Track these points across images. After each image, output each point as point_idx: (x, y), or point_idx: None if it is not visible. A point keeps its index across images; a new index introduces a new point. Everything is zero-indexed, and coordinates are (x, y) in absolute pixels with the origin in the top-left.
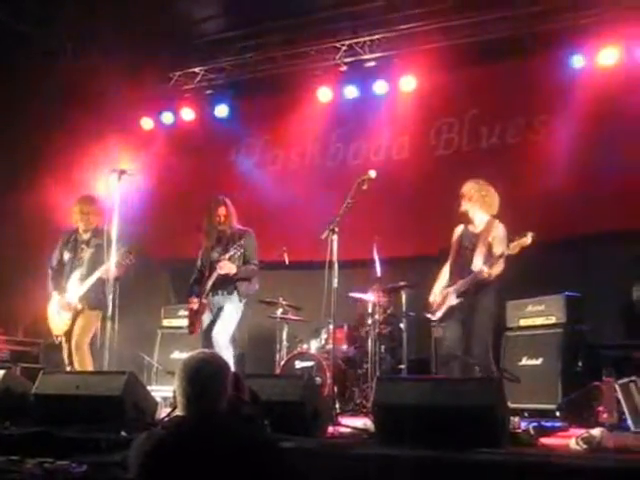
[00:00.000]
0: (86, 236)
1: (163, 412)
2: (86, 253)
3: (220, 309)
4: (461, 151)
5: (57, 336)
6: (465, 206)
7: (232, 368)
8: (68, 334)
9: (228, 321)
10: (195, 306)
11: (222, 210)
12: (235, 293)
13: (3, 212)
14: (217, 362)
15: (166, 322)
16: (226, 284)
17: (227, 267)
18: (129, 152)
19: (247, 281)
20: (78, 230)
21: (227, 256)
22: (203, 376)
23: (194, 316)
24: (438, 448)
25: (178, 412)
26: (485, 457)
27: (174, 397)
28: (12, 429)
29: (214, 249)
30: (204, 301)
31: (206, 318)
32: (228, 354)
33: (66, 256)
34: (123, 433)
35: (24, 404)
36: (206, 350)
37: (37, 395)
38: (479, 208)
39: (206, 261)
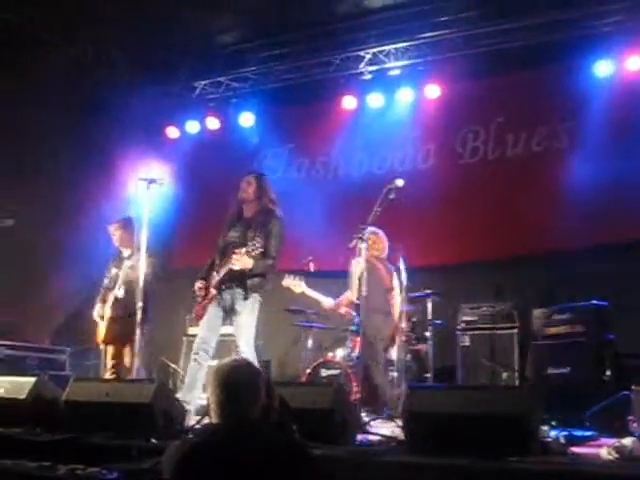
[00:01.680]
0: (126, 253)
1: (192, 420)
2: (125, 268)
3: (232, 311)
4: (487, 159)
5: (103, 342)
6: None
7: None
8: (111, 341)
9: (247, 329)
10: (201, 292)
11: (245, 186)
12: (246, 291)
13: (30, 223)
14: (251, 369)
15: (191, 330)
16: (237, 279)
17: (243, 262)
18: (156, 161)
19: (261, 277)
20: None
21: (244, 250)
22: (237, 383)
23: (200, 304)
24: (468, 456)
25: (211, 419)
26: (516, 466)
27: (207, 404)
28: (43, 436)
29: (234, 227)
30: (213, 291)
31: (212, 310)
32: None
33: (113, 272)
34: (153, 440)
35: (54, 411)
36: (239, 357)
37: (68, 402)
38: None
39: (223, 242)
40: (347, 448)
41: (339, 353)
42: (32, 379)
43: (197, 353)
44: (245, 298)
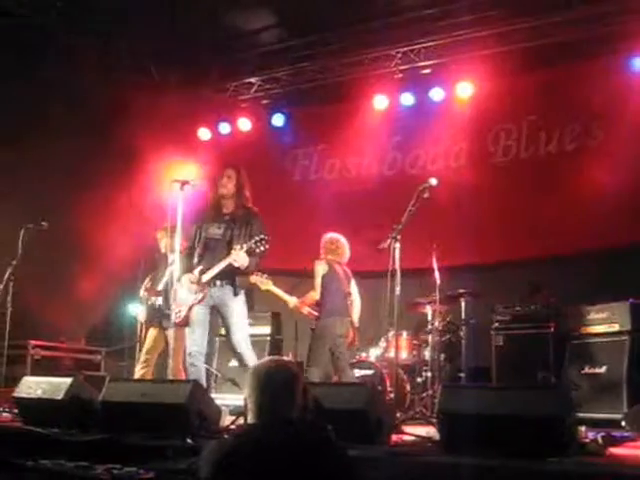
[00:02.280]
0: (171, 259)
1: (227, 420)
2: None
3: (224, 306)
4: (519, 158)
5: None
6: None
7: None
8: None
9: (241, 327)
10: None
11: (225, 181)
12: (235, 287)
13: (66, 227)
14: (290, 369)
15: (224, 330)
16: (227, 276)
17: (241, 259)
18: (189, 163)
19: (245, 274)
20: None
21: (245, 248)
22: (276, 384)
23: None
24: (505, 457)
25: (249, 420)
26: (554, 467)
27: (245, 405)
28: (80, 436)
29: (215, 223)
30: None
31: (199, 309)
32: (253, 357)
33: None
34: (189, 440)
35: (91, 411)
36: (276, 357)
37: (104, 402)
38: None
39: (202, 237)
40: (382, 448)
41: (372, 353)
42: (69, 380)
43: (192, 356)
44: (235, 294)
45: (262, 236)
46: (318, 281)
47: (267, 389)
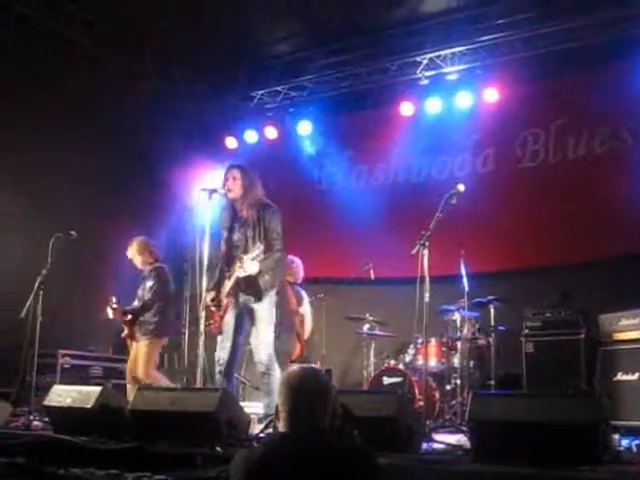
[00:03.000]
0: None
1: (256, 428)
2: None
3: (250, 312)
4: (547, 162)
5: None
6: None
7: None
8: None
9: (265, 336)
10: (214, 303)
11: (231, 183)
12: (260, 292)
13: (94, 235)
14: (321, 377)
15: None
16: (248, 283)
17: (250, 268)
18: (217, 171)
19: (271, 273)
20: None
21: (248, 257)
22: (309, 392)
23: (217, 314)
24: (538, 466)
25: (279, 428)
26: (587, 475)
27: (276, 412)
28: (109, 444)
29: (234, 229)
30: (226, 301)
31: (229, 319)
32: (275, 366)
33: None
34: (218, 449)
35: (120, 419)
36: (306, 365)
37: (133, 411)
38: None
39: (225, 246)
40: (413, 457)
41: (401, 361)
42: (98, 389)
43: (220, 364)
44: (259, 299)
45: (258, 245)
46: None
47: (301, 397)
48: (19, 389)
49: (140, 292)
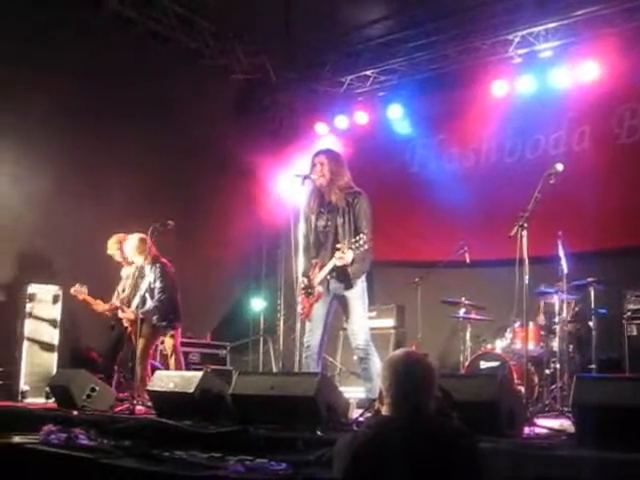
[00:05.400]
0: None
1: (354, 412)
2: None
3: (341, 298)
4: None
5: None
6: None
7: (377, 365)
8: None
9: (360, 321)
10: (306, 289)
11: (319, 169)
12: (350, 280)
13: (190, 225)
14: (425, 361)
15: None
16: (338, 271)
17: (348, 257)
18: (307, 158)
19: (360, 262)
20: None
21: (346, 245)
22: (414, 375)
23: (307, 301)
24: None
25: (383, 411)
26: None
27: (380, 396)
28: (211, 428)
29: (321, 215)
30: (320, 289)
31: (319, 307)
32: (372, 351)
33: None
34: (318, 432)
35: (220, 404)
36: (409, 349)
37: (234, 395)
38: None
39: (313, 232)
40: (515, 441)
41: (498, 344)
42: (199, 374)
43: (310, 349)
44: (350, 287)
45: (361, 236)
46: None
47: (407, 381)
48: (125, 375)
49: (127, 289)
